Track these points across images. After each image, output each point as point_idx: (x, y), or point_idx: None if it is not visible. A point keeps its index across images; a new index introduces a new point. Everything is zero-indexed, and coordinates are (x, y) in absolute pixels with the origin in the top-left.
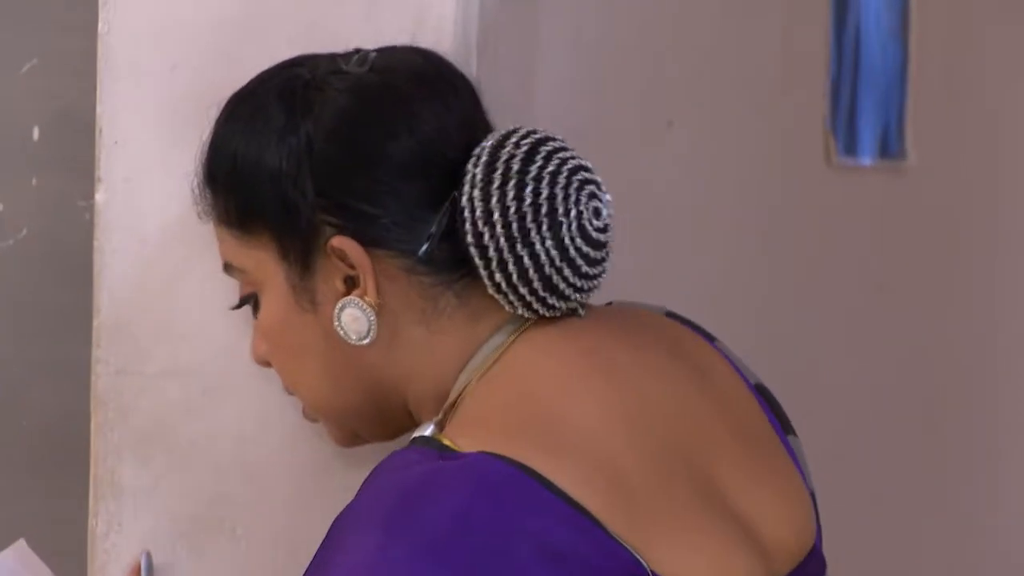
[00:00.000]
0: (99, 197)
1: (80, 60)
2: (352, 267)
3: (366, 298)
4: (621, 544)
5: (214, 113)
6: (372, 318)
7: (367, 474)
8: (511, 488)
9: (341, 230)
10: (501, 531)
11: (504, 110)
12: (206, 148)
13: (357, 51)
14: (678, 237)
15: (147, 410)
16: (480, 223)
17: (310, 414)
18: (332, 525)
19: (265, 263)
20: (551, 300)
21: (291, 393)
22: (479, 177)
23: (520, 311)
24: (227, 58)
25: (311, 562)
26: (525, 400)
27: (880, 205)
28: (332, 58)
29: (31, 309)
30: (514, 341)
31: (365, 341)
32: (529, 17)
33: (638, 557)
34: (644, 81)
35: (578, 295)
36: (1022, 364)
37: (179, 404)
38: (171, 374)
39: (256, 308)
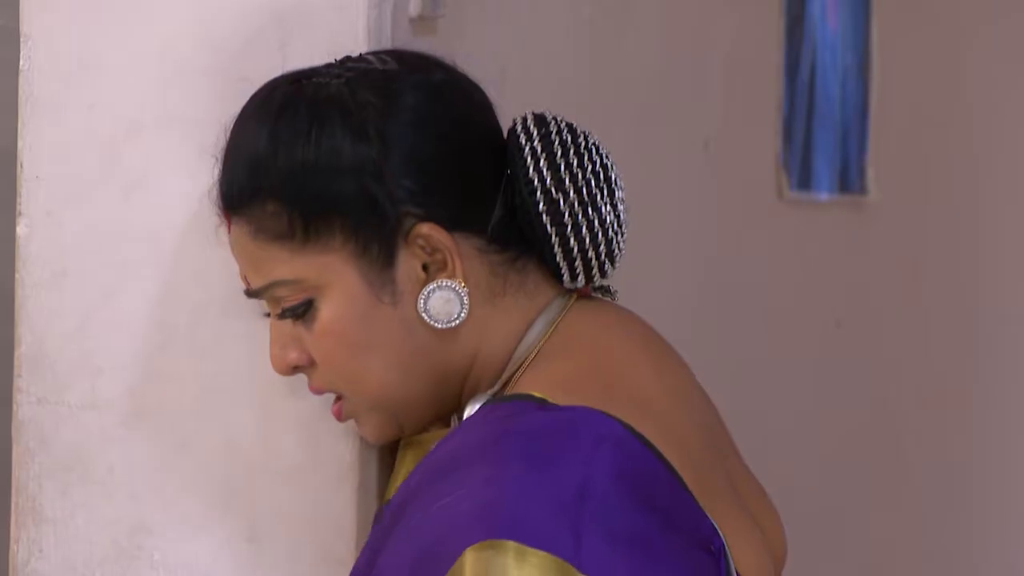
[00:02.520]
0: (20, 230)
1: (13, 98)
2: (433, 253)
3: (456, 278)
4: (703, 512)
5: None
6: (465, 297)
7: (282, 499)
8: (627, 443)
9: (423, 218)
10: (631, 469)
11: None
12: (252, 167)
13: (348, 58)
14: (621, 274)
15: (67, 439)
16: (554, 191)
17: (350, 411)
18: (428, 473)
19: (332, 266)
20: (607, 267)
21: (321, 392)
22: (540, 149)
23: (579, 280)
24: (143, 96)
25: (400, 523)
26: (598, 370)
27: (840, 240)
28: (345, 64)
29: None
30: (563, 318)
31: (455, 322)
32: (445, 54)
33: (716, 527)
34: (577, 112)
35: (618, 262)
36: (983, 402)
37: (98, 433)
38: (90, 404)
39: (302, 315)
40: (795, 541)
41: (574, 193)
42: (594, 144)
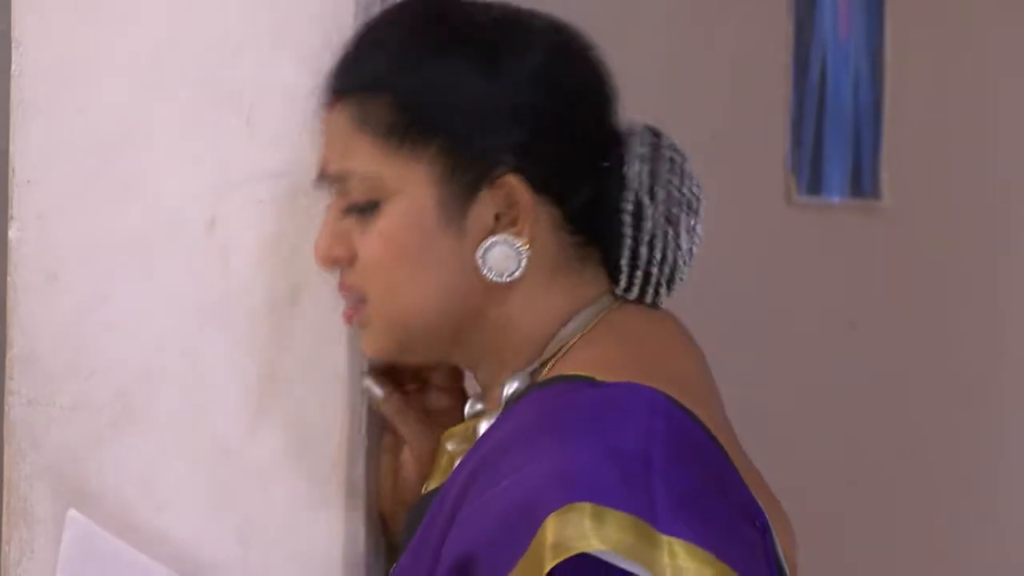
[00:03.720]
0: (12, 234)
1: (5, 102)
2: (510, 206)
3: (522, 238)
4: (748, 487)
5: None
6: (524, 260)
7: (270, 499)
8: (674, 414)
9: (515, 169)
10: (685, 438)
11: None
12: (382, 59)
13: (505, 5)
14: None
15: (57, 441)
16: (646, 198)
17: (364, 319)
18: (488, 453)
19: (413, 175)
20: (662, 290)
21: (349, 292)
22: (648, 155)
23: (633, 292)
24: (134, 101)
25: (465, 503)
26: (640, 353)
27: (852, 243)
28: (500, 7)
29: None
30: (610, 311)
31: (505, 279)
32: None
33: (759, 504)
34: None
35: (673, 291)
36: (1000, 405)
37: (88, 435)
38: (80, 406)
39: (365, 211)
40: (809, 544)
41: (663, 206)
42: (692, 173)
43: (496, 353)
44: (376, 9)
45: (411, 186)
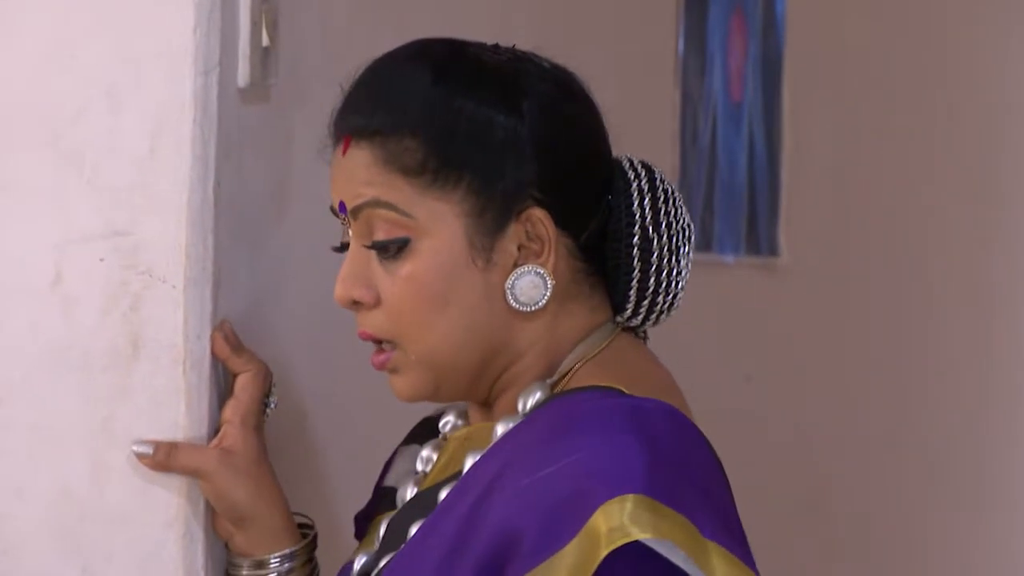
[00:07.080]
0: None
1: None
2: (532, 239)
3: (548, 268)
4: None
5: None
6: (550, 290)
7: (114, 544)
8: (700, 435)
9: (540, 203)
10: (710, 460)
11: (254, 219)
12: (407, 101)
13: (515, 48)
14: None
15: None
16: (650, 230)
17: (396, 363)
18: (522, 448)
19: (443, 215)
20: (664, 315)
21: (371, 338)
22: (646, 189)
23: (638, 318)
24: None
25: (499, 494)
26: (647, 376)
27: (748, 298)
28: (512, 50)
29: None
30: (615, 338)
31: (531, 308)
32: (280, 122)
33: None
34: None
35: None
36: (896, 457)
37: None
38: None
39: (394, 254)
40: None
41: (666, 238)
42: (683, 205)
43: (509, 374)
44: (213, 78)
45: (440, 225)
